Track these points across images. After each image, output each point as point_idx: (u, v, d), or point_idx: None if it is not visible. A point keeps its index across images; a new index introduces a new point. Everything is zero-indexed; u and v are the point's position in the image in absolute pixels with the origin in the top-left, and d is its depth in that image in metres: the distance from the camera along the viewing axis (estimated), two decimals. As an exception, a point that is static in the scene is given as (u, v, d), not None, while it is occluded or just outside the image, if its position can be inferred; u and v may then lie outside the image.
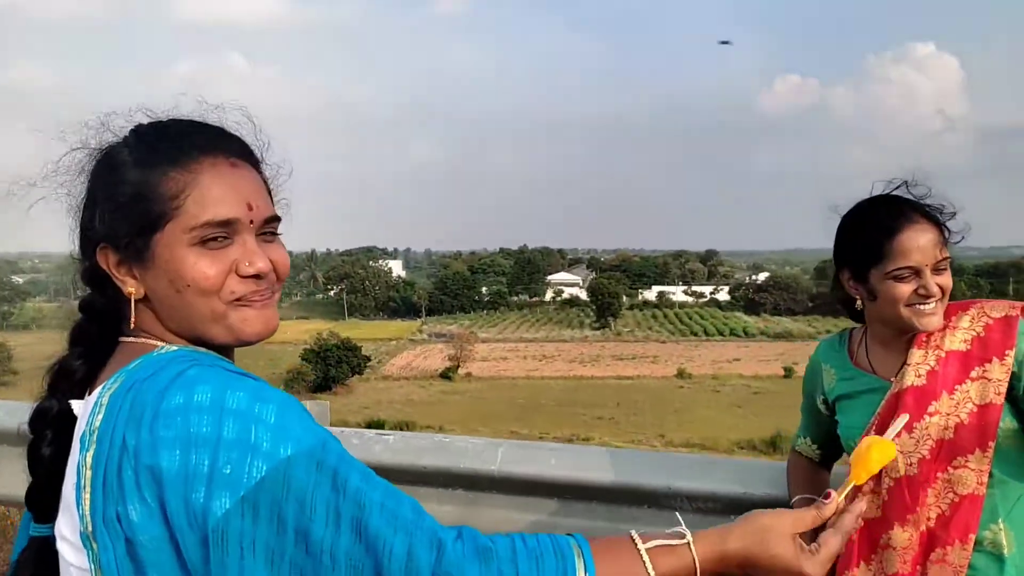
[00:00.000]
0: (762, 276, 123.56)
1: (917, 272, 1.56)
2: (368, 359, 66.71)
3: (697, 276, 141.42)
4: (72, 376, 0.96)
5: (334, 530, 0.80)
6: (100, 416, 0.87)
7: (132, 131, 0.98)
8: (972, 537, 1.52)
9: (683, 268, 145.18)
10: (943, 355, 1.59)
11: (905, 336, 1.64)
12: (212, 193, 0.93)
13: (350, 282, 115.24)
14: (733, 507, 2.09)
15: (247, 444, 0.81)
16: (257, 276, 0.95)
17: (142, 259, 0.93)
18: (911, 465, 1.57)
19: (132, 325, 0.95)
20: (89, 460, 0.85)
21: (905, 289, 1.56)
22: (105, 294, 0.97)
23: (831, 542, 0.93)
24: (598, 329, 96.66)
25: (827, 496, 0.97)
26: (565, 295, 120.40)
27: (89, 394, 0.93)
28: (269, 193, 1.02)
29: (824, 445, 1.88)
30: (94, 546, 0.84)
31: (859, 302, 1.68)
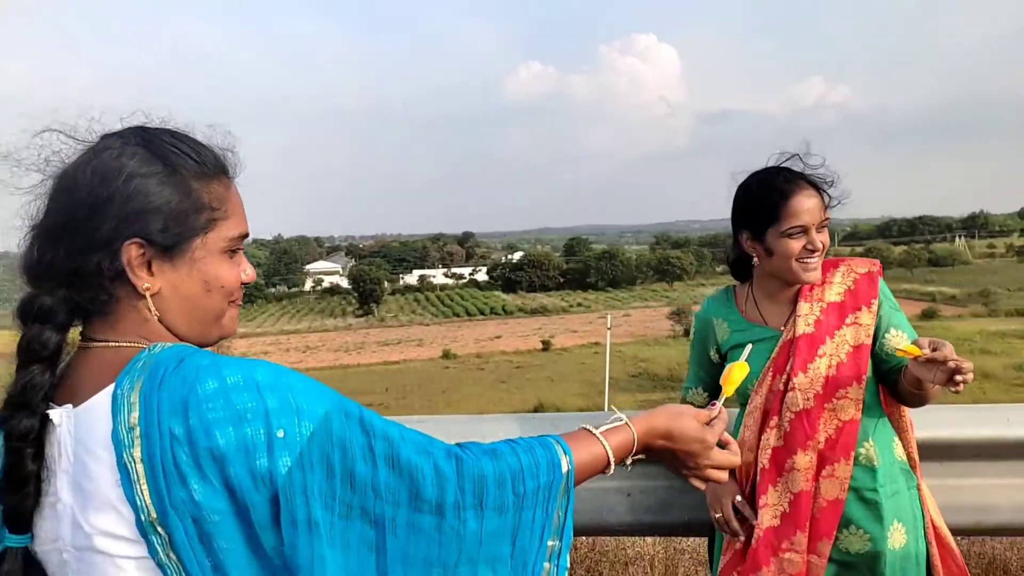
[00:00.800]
0: (517, 255, 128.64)
1: (805, 230, 1.80)
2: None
3: (456, 258, 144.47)
4: (43, 390, 0.95)
5: (372, 466, 0.95)
6: (135, 414, 0.91)
7: (142, 141, 1.02)
8: (853, 455, 1.80)
9: (442, 251, 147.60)
10: (824, 306, 1.87)
11: (790, 289, 1.89)
12: (238, 209, 1.07)
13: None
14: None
15: (291, 409, 0.92)
16: (247, 282, 1.10)
17: (171, 256, 1.00)
18: (808, 400, 1.82)
19: (131, 319, 1.00)
20: (137, 455, 0.90)
21: (796, 245, 1.80)
22: (84, 293, 0.98)
23: (719, 428, 1.22)
24: (361, 316, 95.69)
25: (713, 405, 1.25)
26: (325, 284, 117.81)
27: (54, 402, 0.96)
28: None
29: (713, 394, 2.06)
30: (160, 531, 0.90)
31: (755, 259, 1.89)
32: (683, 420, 1.20)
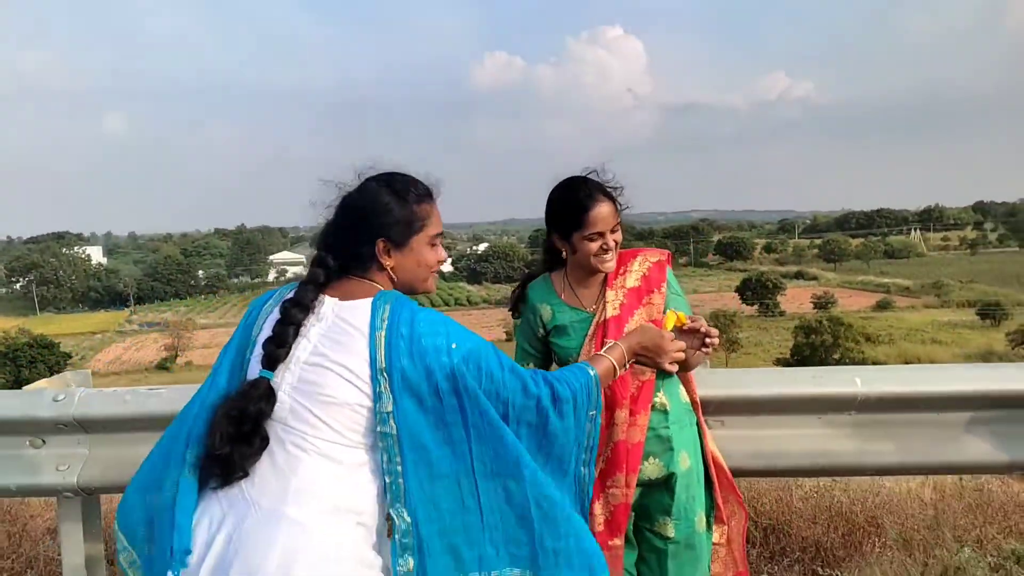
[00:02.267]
0: (482, 247, 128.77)
1: (602, 234, 2.24)
2: (69, 356, 60.25)
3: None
4: (313, 293, 1.69)
5: (501, 370, 1.69)
6: (386, 315, 1.64)
7: (384, 178, 1.79)
8: (650, 404, 2.23)
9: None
10: (626, 291, 2.30)
11: (597, 276, 2.32)
12: (436, 218, 1.82)
13: (39, 273, 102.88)
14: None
15: (461, 335, 1.67)
16: (442, 262, 1.83)
17: (400, 248, 1.76)
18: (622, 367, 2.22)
19: (382, 275, 1.76)
20: (382, 336, 1.61)
21: (594, 246, 2.24)
22: (363, 259, 1.75)
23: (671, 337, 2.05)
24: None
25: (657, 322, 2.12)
26: (289, 274, 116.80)
27: (319, 298, 1.70)
28: None
29: (543, 365, 2.45)
30: (384, 375, 1.59)
31: (564, 254, 2.34)
32: (649, 333, 2.02)
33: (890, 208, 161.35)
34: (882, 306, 77.55)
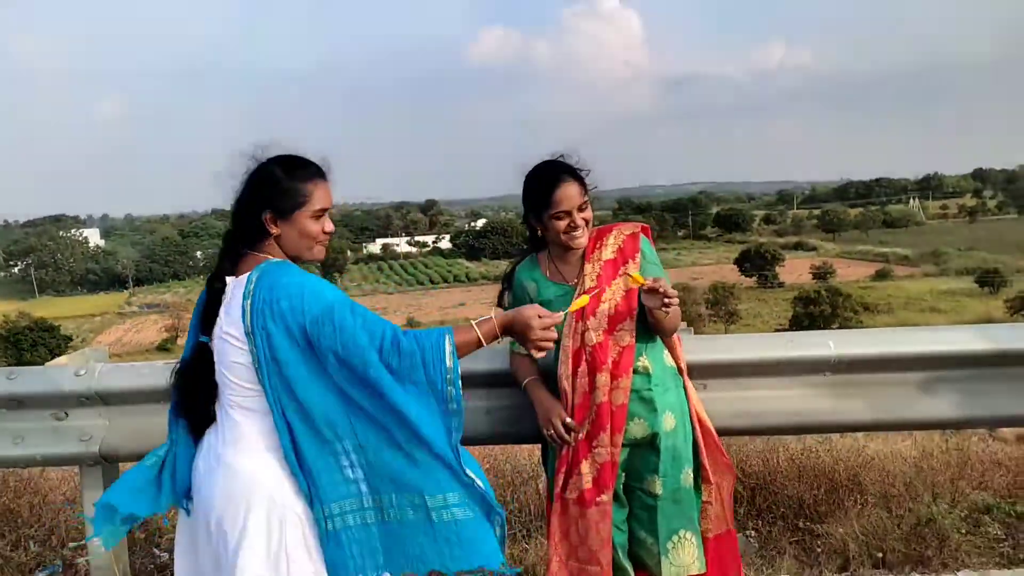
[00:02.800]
0: (480, 223, 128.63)
1: (568, 213, 2.37)
2: (69, 338, 60.49)
3: (419, 227, 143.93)
4: (224, 269, 1.96)
5: (353, 320, 1.85)
6: (254, 285, 1.87)
7: (278, 158, 2.01)
8: (632, 368, 2.38)
9: (405, 219, 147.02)
10: (602, 264, 2.44)
11: (576, 252, 2.46)
12: (320, 195, 1.99)
13: (38, 256, 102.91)
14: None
15: (314, 296, 1.85)
16: (328, 233, 2.02)
17: (286, 218, 1.96)
18: (598, 335, 2.40)
19: (269, 245, 1.96)
20: (249, 304, 1.86)
21: (562, 224, 2.39)
22: (251, 232, 1.96)
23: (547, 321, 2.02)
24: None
25: (561, 311, 2.10)
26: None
27: (235, 276, 1.94)
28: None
29: None
30: (251, 336, 1.85)
31: (540, 233, 2.48)
32: (523, 311, 2.01)
33: (889, 177, 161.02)
34: (881, 275, 77.72)
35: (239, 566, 1.81)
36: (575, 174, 2.41)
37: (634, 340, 2.38)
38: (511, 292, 2.61)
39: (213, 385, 1.95)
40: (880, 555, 3.02)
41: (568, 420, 2.43)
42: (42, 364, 3.21)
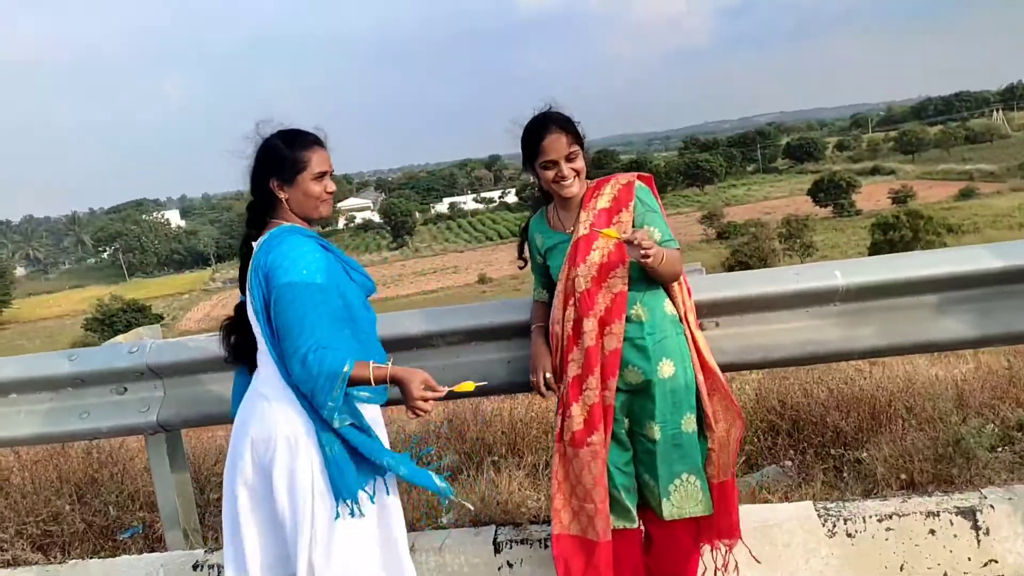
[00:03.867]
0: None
1: (555, 162, 2.44)
2: (161, 317, 63.38)
3: (484, 183, 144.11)
4: (250, 235, 2.27)
5: (302, 310, 2.07)
6: (259, 248, 2.18)
7: (280, 132, 2.26)
8: (624, 315, 2.44)
9: (470, 176, 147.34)
10: (596, 212, 2.50)
11: (572, 201, 2.53)
12: (317, 160, 2.24)
13: (124, 240, 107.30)
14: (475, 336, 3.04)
15: (288, 271, 2.09)
16: (331, 193, 2.28)
17: (290, 184, 2.22)
18: (588, 282, 2.46)
19: (283, 210, 2.24)
20: (251, 268, 2.19)
21: (550, 174, 2.47)
22: (265, 200, 2.26)
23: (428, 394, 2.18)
24: (396, 249, 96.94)
25: (443, 389, 2.19)
26: (358, 220, 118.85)
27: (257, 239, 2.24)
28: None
29: (548, 290, 2.69)
30: (251, 293, 2.17)
31: (542, 184, 2.54)
32: (414, 375, 2.14)
33: (969, 90, 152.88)
34: (965, 195, 74.46)
35: (274, 473, 2.16)
36: (563, 124, 2.46)
37: (627, 288, 2.44)
38: (529, 244, 2.71)
39: (252, 337, 2.27)
40: (906, 476, 3.05)
41: (549, 376, 2.55)
42: (104, 344, 3.48)
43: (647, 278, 2.47)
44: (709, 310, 2.83)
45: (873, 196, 75.86)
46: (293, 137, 2.26)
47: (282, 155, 2.22)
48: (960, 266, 2.75)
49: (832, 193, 74.76)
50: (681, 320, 2.54)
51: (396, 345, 3.02)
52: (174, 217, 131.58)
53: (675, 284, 2.53)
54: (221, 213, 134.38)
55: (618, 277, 2.46)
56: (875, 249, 48.52)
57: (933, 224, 49.81)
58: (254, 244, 2.23)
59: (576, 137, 2.47)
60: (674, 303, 2.54)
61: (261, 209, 2.28)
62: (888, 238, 48.68)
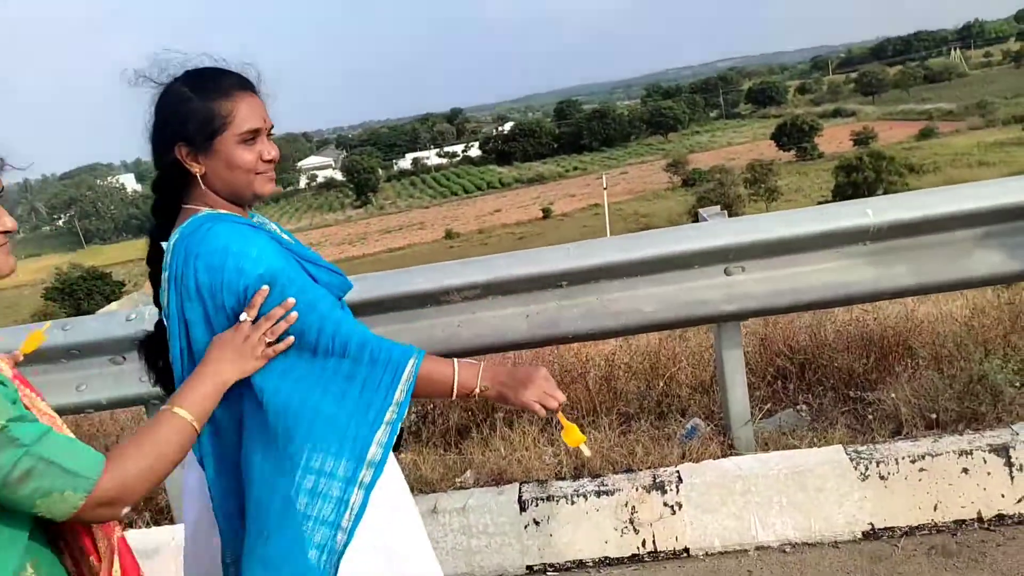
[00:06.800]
0: (508, 126, 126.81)
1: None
2: (123, 284, 62.22)
3: (447, 137, 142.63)
4: (156, 233, 1.61)
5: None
6: (170, 255, 1.51)
7: (186, 74, 1.55)
8: None
9: (432, 131, 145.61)
10: None
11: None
12: (245, 114, 1.52)
13: (80, 207, 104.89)
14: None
15: (244, 271, 1.47)
16: (271, 161, 1.57)
17: (206, 152, 1.52)
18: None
19: (199, 191, 1.55)
20: (166, 276, 1.52)
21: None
22: (172, 177, 1.56)
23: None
24: (360, 207, 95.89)
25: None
26: (320, 179, 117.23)
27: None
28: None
29: None
30: (170, 323, 1.51)
31: None
32: (520, 369, 1.55)
33: (927, 29, 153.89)
34: (925, 134, 75.35)
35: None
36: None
37: None
38: None
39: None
40: (933, 416, 3.02)
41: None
42: (98, 312, 3.31)
43: None
44: (736, 255, 2.74)
45: (835, 139, 76.40)
46: (206, 81, 1.54)
47: (190, 109, 1.50)
48: (990, 200, 2.69)
49: (795, 137, 75.13)
50: None
51: (407, 302, 2.90)
52: (129, 181, 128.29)
53: None
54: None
55: None
56: (839, 191, 49.04)
57: (895, 165, 50.34)
58: (165, 245, 1.55)
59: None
60: None
61: (170, 190, 1.59)
62: (851, 180, 49.17)
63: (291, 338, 1.49)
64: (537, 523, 2.85)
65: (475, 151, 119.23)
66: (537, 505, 2.87)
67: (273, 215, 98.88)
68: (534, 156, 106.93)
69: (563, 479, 2.98)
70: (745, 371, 3.05)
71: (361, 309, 2.87)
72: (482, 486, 3.07)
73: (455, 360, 1.54)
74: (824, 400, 3.56)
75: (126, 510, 1.26)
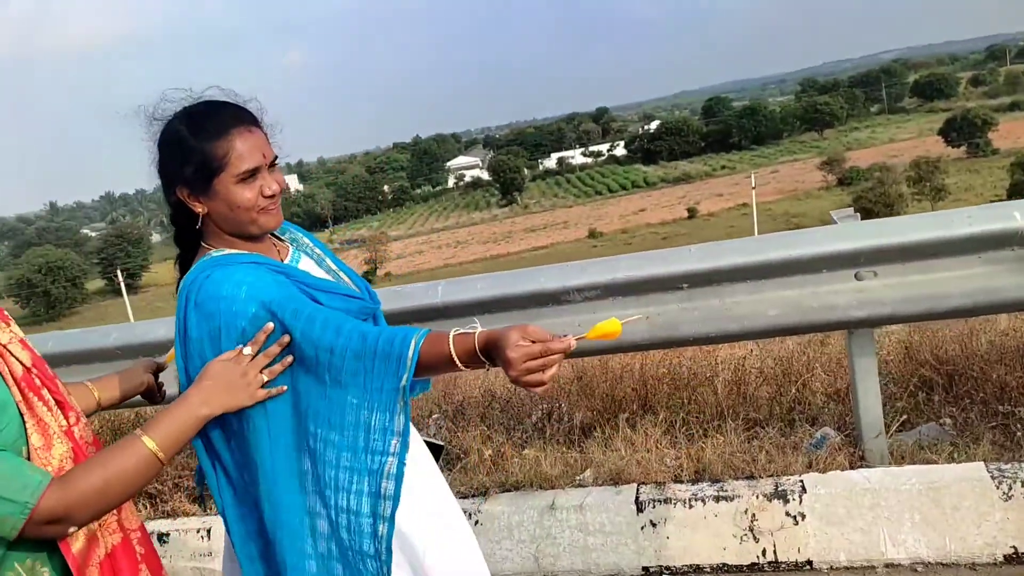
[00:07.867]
0: (654, 125, 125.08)
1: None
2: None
3: (592, 136, 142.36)
4: (182, 265, 1.63)
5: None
6: (184, 302, 1.50)
7: (184, 113, 1.54)
8: None
9: (577, 131, 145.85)
10: None
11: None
12: (242, 152, 1.51)
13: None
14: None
15: (232, 313, 1.45)
16: (272, 196, 1.56)
17: (206, 193, 1.52)
18: None
19: (210, 227, 1.57)
20: (183, 326, 1.51)
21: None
22: (180, 214, 1.59)
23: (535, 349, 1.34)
24: (505, 206, 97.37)
25: (566, 336, 1.33)
26: (467, 178, 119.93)
27: None
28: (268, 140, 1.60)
29: None
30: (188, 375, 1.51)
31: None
32: (510, 332, 1.34)
33: None
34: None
35: None
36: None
37: None
38: None
39: None
40: (1091, 436, 2.79)
41: None
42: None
43: None
44: (868, 259, 2.64)
45: (1012, 134, 70.45)
46: (201, 120, 1.53)
47: (186, 152, 1.51)
48: None
49: (966, 132, 69.95)
50: None
51: (530, 301, 2.97)
52: (293, 182, 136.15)
53: None
54: (336, 176, 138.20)
55: None
56: (1015, 191, 45.19)
57: (1083, 161, 45.88)
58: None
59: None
60: None
61: (186, 227, 1.61)
62: (1030, 178, 45.18)
63: (284, 387, 1.48)
64: (654, 525, 2.85)
65: (620, 150, 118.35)
66: (654, 507, 2.87)
67: (422, 214, 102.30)
68: (680, 155, 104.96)
69: (681, 482, 2.97)
70: (879, 380, 2.92)
71: (482, 307, 2.98)
72: (600, 485, 3.10)
73: (450, 335, 1.41)
74: (971, 414, 3.34)
75: (73, 529, 1.31)
